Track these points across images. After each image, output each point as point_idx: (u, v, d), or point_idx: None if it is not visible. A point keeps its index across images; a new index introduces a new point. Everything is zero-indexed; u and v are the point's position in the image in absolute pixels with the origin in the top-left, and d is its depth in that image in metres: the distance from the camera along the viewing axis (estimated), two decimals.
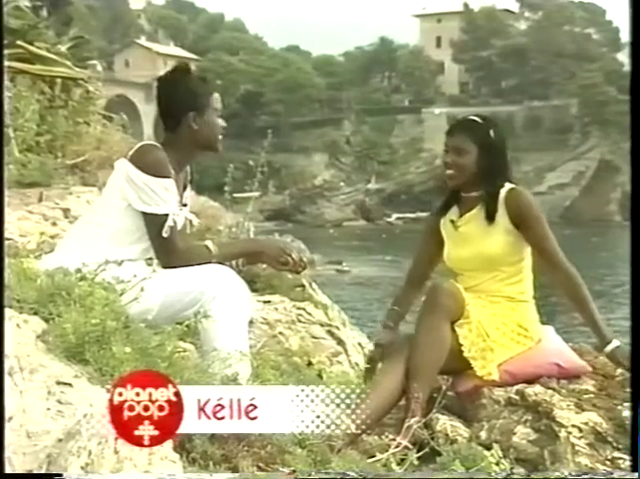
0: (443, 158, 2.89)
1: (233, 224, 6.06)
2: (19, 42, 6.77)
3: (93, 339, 1.87)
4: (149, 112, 58.99)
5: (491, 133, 2.86)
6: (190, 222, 2.79)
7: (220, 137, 2.72)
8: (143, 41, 67.21)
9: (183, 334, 2.36)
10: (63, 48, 7.68)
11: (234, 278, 2.49)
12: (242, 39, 70.17)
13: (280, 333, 4.10)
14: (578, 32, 63.32)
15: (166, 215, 2.50)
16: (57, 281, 2.16)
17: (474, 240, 2.85)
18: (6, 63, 6.38)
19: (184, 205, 2.69)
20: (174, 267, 2.50)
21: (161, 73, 2.76)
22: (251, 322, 2.56)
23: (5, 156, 5.70)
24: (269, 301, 4.54)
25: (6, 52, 6.50)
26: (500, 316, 2.80)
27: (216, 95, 2.72)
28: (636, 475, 1.88)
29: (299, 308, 4.56)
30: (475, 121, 2.89)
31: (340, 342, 4.41)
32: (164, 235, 2.49)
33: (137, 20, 73.42)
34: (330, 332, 4.47)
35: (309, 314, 4.55)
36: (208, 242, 2.62)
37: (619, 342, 2.69)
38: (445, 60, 66.11)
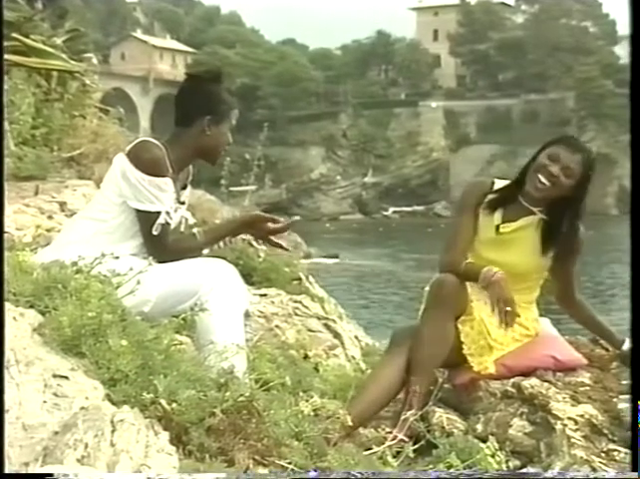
0: (543, 163, 2.71)
1: (230, 217, 6.06)
2: (15, 35, 6.74)
3: (89, 332, 1.87)
4: (145, 105, 58.94)
5: (592, 173, 2.76)
6: (186, 220, 2.80)
7: (223, 152, 2.74)
8: (139, 34, 67.00)
9: (180, 327, 2.36)
10: (59, 41, 7.65)
11: (230, 272, 2.49)
12: (239, 32, 69.98)
13: (277, 326, 4.11)
14: (575, 25, 63.29)
15: (158, 213, 2.50)
16: (53, 274, 2.16)
17: (510, 252, 2.77)
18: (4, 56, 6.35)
19: (182, 203, 2.69)
20: (167, 261, 2.51)
21: (192, 72, 2.83)
22: (248, 316, 2.55)
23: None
24: (266, 295, 4.54)
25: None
26: None
27: (236, 111, 2.75)
28: (636, 475, 1.88)
29: (296, 302, 4.56)
30: (592, 152, 2.82)
31: (336, 335, 4.41)
32: (155, 232, 2.50)
33: (132, 13, 73.23)
34: (327, 326, 4.48)
35: (305, 307, 4.55)
36: (195, 230, 2.64)
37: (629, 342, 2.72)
38: (441, 53, 66.05)
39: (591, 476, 2.19)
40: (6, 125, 5.78)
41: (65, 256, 2.35)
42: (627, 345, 2.73)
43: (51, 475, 1.41)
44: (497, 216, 2.80)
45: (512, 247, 2.78)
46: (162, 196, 2.51)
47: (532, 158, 2.79)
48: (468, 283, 2.73)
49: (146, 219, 2.50)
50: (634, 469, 1.91)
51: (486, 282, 2.63)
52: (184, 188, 2.72)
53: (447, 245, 2.81)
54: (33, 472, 1.43)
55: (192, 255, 2.56)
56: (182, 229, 2.77)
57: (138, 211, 2.50)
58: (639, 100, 1.97)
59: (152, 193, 2.48)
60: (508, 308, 2.59)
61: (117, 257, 2.38)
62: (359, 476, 1.77)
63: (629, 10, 1.99)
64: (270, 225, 2.67)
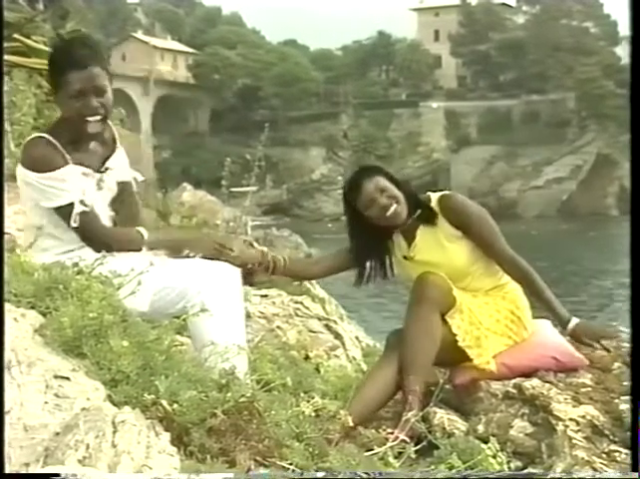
0: (373, 210, 2.86)
1: (231, 218, 6.07)
2: (16, 35, 6.74)
3: (90, 333, 1.87)
4: (146, 105, 58.93)
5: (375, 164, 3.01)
6: (135, 179, 2.75)
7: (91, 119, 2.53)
8: (139, 35, 66.98)
9: (181, 328, 2.36)
10: None
11: (225, 272, 2.49)
12: (240, 33, 69.97)
13: (278, 327, 4.11)
14: (576, 26, 63.23)
15: (71, 204, 2.46)
16: (54, 275, 2.16)
17: (433, 263, 2.84)
18: (4, 57, 6.36)
19: (105, 170, 2.60)
20: (108, 251, 2.45)
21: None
22: (249, 316, 2.55)
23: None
24: (267, 295, 4.54)
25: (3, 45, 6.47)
26: (493, 304, 2.82)
27: (89, 71, 2.49)
28: (636, 475, 1.88)
29: (297, 302, 4.57)
30: (367, 166, 2.98)
31: (337, 336, 4.42)
32: (74, 224, 2.46)
33: (133, 13, 73.21)
34: (327, 326, 4.48)
35: (306, 308, 4.55)
36: (141, 229, 2.59)
37: (578, 320, 2.72)
38: (442, 54, 66.02)
39: (591, 476, 2.19)
40: (7, 126, 5.79)
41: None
42: (572, 324, 2.71)
43: (52, 475, 1.41)
44: (402, 250, 2.95)
45: (431, 259, 2.85)
46: (66, 186, 2.46)
47: (350, 225, 2.99)
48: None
49: (63, 214, 2.47)
50: (634, 469, 1.91)
51: None
52: (111, 153, 2.65)
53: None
54: (33, 472, 1.43)
55: (132, 250, 2.52)
56: (136, 188, 2.74)
57: (55, 209, 2.47)
58: (639, 100, 1.97)
59: (54, 187, 2.44)
60: None
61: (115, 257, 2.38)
62: (364, 476, 1.77)
63: (629, 10, 1.99)
64: (220, 249, 2.61)
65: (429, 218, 2.86)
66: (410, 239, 2.92)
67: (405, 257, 2.93)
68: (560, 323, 2.79)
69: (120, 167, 2.69)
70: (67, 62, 2.47)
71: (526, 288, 2.83)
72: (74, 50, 2.48)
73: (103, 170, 2.60)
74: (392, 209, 2.83)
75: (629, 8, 1.98)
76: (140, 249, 2.54)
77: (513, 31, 64.05)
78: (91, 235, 2.50)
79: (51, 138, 2.49)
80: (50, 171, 2.45)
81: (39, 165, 2.45)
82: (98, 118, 2.51)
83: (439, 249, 2.85)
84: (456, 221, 2.82)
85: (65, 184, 2.46)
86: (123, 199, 2.65)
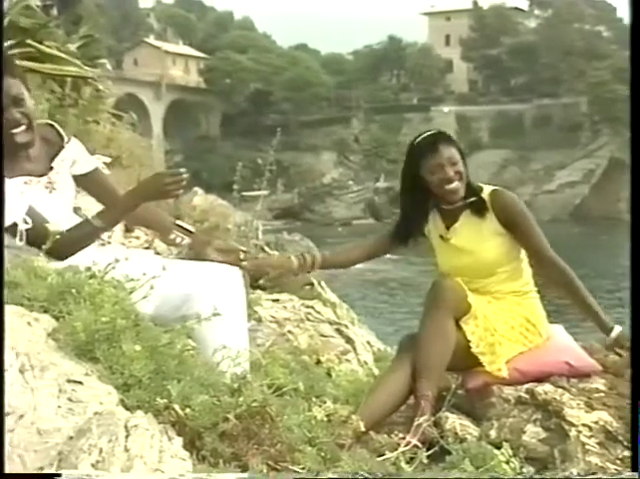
0: (436, 177, 2.81)
1: (242, 222, 6.08)
2: (29, 41, 6.79)
3: (103, 337, 1.88)
4: (157, 110, 59.16)
5: (454, 137, 2.92)
6: (105, 163, 2.70)
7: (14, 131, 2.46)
8: (151, 40, 67.35)
9: (192, 332, 2.36)
10: (73, 47, 7.72)
11: (228, 275, 2.49)
12: (251, 37, 70.24)
13: (289, 332, 4.11)
14: (588, 30, 63.05)
15: (14, 224, 2.37)
16: (67, 279, 2.16)
17: (467, 250, 2.85)
18: (16, 62, 6.41)
19: (51, 169, 2.54)
20: (69, 256, 2.38)
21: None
22: (260, 321, 2.55)
23: None
24: (278, 300, 4.55)
25: (16, 51, 6.53)
26: (508, 311, 2.80)
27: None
28: (636, 475, 1.87)
29: (308, 307, 4.57)
30: (445, 133, 2.93)
31: (349, 340, 4.41)
32: (20, 243, 2.37)
33: (146, 19, 73.65)
34: (339, 331, 4.48)
35: (318, 313, 4.55)
36: (89, 216, 2.48)
37: (621, 327, 2.70)
38: (453, 58, 65.99)
39: (590, 476, 2.17)
40: None
41: None
42: (615, 333, 2.70)
43: (53, 475, 1.42)
44: (440, 229, 2.93)
45: (466, 247, 2.85)
46: (6, 206, 2.33)
47: (404, 184, 2.94)
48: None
49: (12, 233, 2.37)
50: (634, 469, 1.90)
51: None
52: (56, 153, 2.58)
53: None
54: (33, 472, 1.43)
55: (92, 241, 2.46)
56: (106, 171, 2.68)
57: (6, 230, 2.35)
58: (639, 100, 1.96)
59: None
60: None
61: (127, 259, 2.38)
62: (368, 476, 1.77)
63: (629, 11, 1.98)
64: (168, 183, 2.44)
65: (480, 208, 2.83)
66: (450, 220, 2.90)
67: (440, 237, 2.92)
68: (602, 330, 2.77)
69: (74, 159, 2.62)
70: None
71: (568, 293, 2.80)
72: None
73: (50, 168, 2.53)
74: (454, 184, 2.80)
75: (629, 8, 1.97)
76: (99, 237, 2.45)
77: (525, 35, 63.92)
78: (47, 248, 2.35)
79: None
80: None
81: None
82: (23, 128, 2.46)
83: (477, 240, 2.83)
84: (504, 218, 2.81)
85: (5, 203, 2.33)
86: (98, 189, 2.59)
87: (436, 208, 2.94)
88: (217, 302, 2.38)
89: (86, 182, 2.64)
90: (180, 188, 2.48)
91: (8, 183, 2.37)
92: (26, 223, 2.40)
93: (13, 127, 2.43)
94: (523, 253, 2.89)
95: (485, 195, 2.84)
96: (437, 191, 2.84)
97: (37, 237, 2.38)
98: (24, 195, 2.44)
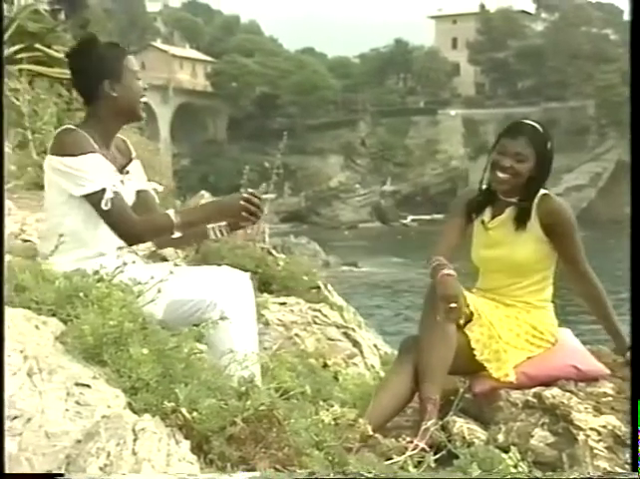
0: (495, 158, 2.78)
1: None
2: (37, 45, 6.82)
3: (110, 341, 1.88)
4: (164, 113, 59.25)
5: (549, 144, 2.80)
6: (156, 190, 2.76)
7: (143, 99, 2.64)
8: (158, 43, 67.48)
9: (200, 336, 2.36)
10: None
11: (239, 280, 2.49)
12: (258, 41, 70.30)
13: (296, 335, 4.11)
14: (595, 33, 62.91)
15: (103, 189, 2.45)
16: (75, 283, 2.17)
17: (503, 244, 2.82)
18: (25, 66, 6.44)
19: (126, 173, 2.62)
20: (140, 241, 2.47)
21: (72, 46, 2.70)
22: (267, 324, 2.55)
23: (24, 158, 5.75)
24: (285, 303, 4.54)
25: (24, 55, 6.55)
26: (514, 319, 2.78)
27: (130, 57, 2.64)
28: (636, 475, 1.86)
29: (315, 310, 4.56)
30: (537, 128, 2.80)
31: (356, 344, 4.40)
32: (105, 207, 2.44)
33: (153, 23, 73.78)
34: (346, 334, 4.47)
35: (325, 316, 4.55)
36: (170, 211, 2.55)
37: None
38: (460, 61, 65.91)
39: (590, 476, 2.17)
40: (29, 134, 5.85)
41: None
42: None
43: (55, 476, 1.42)
44: (486, 215, 2.88)
45: (503, 240, 2.82)
46: (98, 171, 2.45)
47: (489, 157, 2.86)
48: (474, 290, 2.80)
49: (93, 200, 2.45)
50: (634, 469, 1.89)
51: (434, 279, 2.65)
52: (129, 160, 2.67)
53: (436, 246, 2.87)
54: (33, 473, 1.44)
55: (165, 236, 2.51)
56: (157, 200, 2.74)
57: (86, 196, 2.45)
58: (639, 100, 1.95)
59: (85, 171, 2.43)
60: (453, 305, 2.56)
61: (135, 262, 2.39)
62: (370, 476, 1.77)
63: (629, 12, 1.97)
64: (249, 207, 2.52)
65: (522, 215, 2.78)
66: (498, 211, 2.86)
67: (482, 222, 2.89)
68: (620, 348, 2.77)
69: (137, 176, 2.70)
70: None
71: (593, 307, 2.80)
72: None
73: (125, 172, 2.62)
74: (502, 175, 2.76)
75: (629, 11, 1.97)
76: (172, 233, 2.49)
77: (532, 38, 63.82)
78: (121, 221, 2.47)
79: (80, 129, 2.50)
80: (82, 154, 2.43)
81: (70, 149, 2.43)
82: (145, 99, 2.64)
83: (515, 240, 2.80)
84: (547, 223, 2.76)
85: (96, 169, 2.45)
86: (145, 208, 2.65)
87: (495, 196, 2.88)
88: (229, 307, 2.38)
89: (138, 198, 2.69)
90: (259, 217, 2.57)
91: (99, 155, 2.47)
92: (116, 192, 2.47)
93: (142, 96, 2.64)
94: (553, 268, 2.84)
95: (535, 199, 2.78)
96: (490, 172, 2.81)
97: (117, 207, 2.45)
98: (110, 174, 2.52)
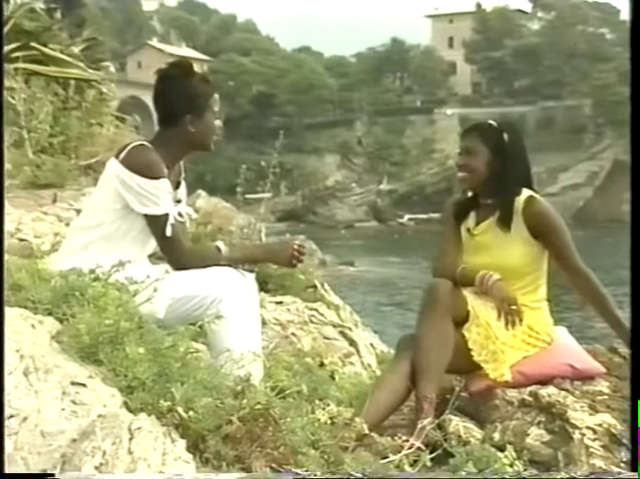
0: (455, 161, 2.88)
1: (245, 224, 6.08)
2: (33, 44, 6.81)
3: (106, 340, 1.88)
4: None
5: (505, 137, 2.80)
6: (190, 216, 2.78)
7: (216, 137, 2.69)
8: (155, 42, 67.39)
9: (196, 335, 2.36)
10: (76, 50, 7.73)
11: (240, 280, 2.49)
12: (254, 40, 70.29)
13: (292, 334, 4.11)
14: (592, 32, 63.00)
15: (167, 214, 2.49)
16: (71, 282, 2.17)
17: (490, 250, 2.82)
18: (20, 65, 6.43)
19: (179, 201, 2.67)
20: (186, 268, 2.50)
21: (163, 67, 2.68)
22: (264, 323, 2.56)
23: (20, 157, 5.74)
24: (281, 302, 4.54)
25: (20, 54, 6.54)
26: None
27: (216, 96, 2.67)
28: (636, 475, 1.87)
29: (311, 309, 4.57)
30: (488, 123, 2.87)
31: (352, 343, 4.41)
32: (168, 234, 2.49)
33: (149, 21, 73.75)
34: (342, 333, 4.48)
35: (321, 315, 4.55)
36: (220, 244, 2.61)
37: None
38: (457, 60, 65.98)
39: (590, 476, 2.17)
40: (24, 133, 5.84)
41: (65, 267, 2.36)
42: None
43: (52, 475, 1.42)
44: (470, 221, 2.90)
45: (489, 246, 2.82)
46: (166, 197, 2.50)
47: None
48: (469, 289, 2.77)
49: (156, 222, 2.49)
50: (634, 469, 1.89)
51: (485, 287, 2.70)
52: (178, 185, 2.70)
53: (437, 254, 2.92)
54: (32, 473, 1.44)
55: (211, 264, 2.53)
56: (188, 225, 2.77)
57: (146, 216, 2.49)
58: (639, 100, 1.96)
59: (156, 195, 2.46)
60: (513, 307, 2.63)
61: (131, 263, 2.39)
62: (362, 476, 1.77)
63: (629, 12, 1.98)
64: (298, 257, 2.64)
65: (505, 213, 2.78)
66: (482, 216, 2.86)
67: (468, 230, 2.89)
68: (625, 341, 2.76)
69: (184, 199, 2.74)
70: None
71: (595, 305, 2.78)
72: None
73: (177, 195, 2.66)
74: (460, 174, 2.83)
75: (629, 10, 1.97)
76: (218, 264, 2.52)
77: (528, 37, 63.89)
78: (176, 248, 2.51)
79: (154, 149, 2.52)
80: (156, 178, 2.47)
81: (145, 170, 2.46)
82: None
83: (501, 243, 2.80)
84: (534, 226, 2.76)
85: (164, 194, 2.49)
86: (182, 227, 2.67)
87: (477, 201, 2.89)
88: (234, 305, 2.39)
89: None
90: (301, 261, 2.67)
91: (166, 180, 2.52)
92: (179, 217, 2.54)
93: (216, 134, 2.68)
94: (545, 268, 2.85)
95: (520, 200, 2.78)
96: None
97: (177, 234, 2.51)
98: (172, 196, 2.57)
